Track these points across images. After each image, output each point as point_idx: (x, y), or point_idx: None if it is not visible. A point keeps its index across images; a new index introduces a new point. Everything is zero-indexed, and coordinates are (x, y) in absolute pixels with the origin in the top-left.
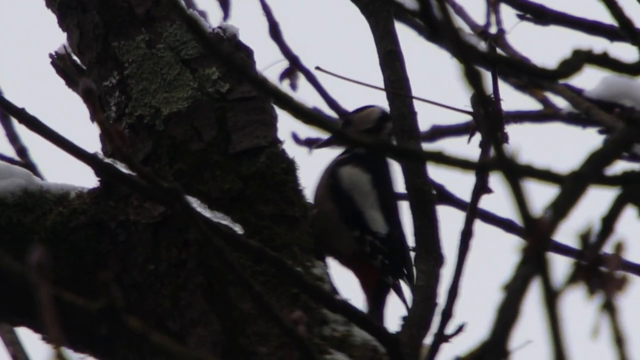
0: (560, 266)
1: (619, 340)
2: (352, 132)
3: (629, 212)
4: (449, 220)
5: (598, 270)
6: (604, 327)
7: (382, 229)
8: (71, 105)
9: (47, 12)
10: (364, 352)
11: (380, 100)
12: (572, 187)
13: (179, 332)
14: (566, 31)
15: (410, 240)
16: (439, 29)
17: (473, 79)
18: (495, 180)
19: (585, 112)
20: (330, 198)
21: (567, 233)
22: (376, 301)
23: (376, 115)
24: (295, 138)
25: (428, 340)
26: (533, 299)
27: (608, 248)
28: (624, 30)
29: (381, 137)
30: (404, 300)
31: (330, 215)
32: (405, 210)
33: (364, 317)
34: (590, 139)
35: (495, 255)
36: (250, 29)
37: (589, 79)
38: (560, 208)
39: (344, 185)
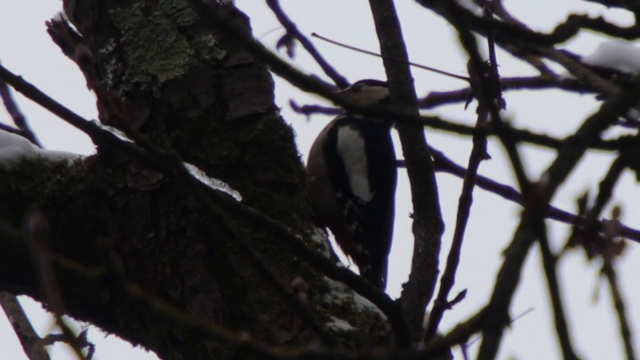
0: (558, 231)
1: (619, 305)
2: (352, 97)
3: (626, 176)
4: (448, 187)
5: (596, 235)
6: (604, 291)
7: (365, 196)
8: (68, 72)
9: None
10: (366, 319)
11: (378, 67)
12: (569, 151)
13: (179, 299)
14: None
15: (410, 207)
16: None
17: (469, 45)
18: (493, 147)
19: (582, 78)
20: (322, 154)
21: (564, 198)
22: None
23: (381, 96)
24: (293, 105)
25: (429, 306)
26: (532, 264)
27: (606, 213)
28: None
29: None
30: (363, 272)
31: (319, 171)
32: (403, 176)
33: (365, 284)
34: (587, 105)
35: (494, 221)
36: None
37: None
38: (558, 173)
39: (338, 145)
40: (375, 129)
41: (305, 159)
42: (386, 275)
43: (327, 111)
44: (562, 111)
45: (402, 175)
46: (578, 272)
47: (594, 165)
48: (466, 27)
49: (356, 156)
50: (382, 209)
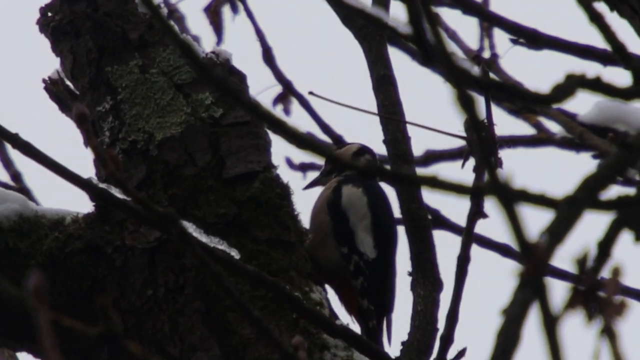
0: (558, 291)
1: None
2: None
3: (625, 236)
4: (446, 245)
5: (596, 295)
6: (604, 352)
7: (370, 253)
8: (65, 130)
9: (40, 37)
10: None
11: (375, 125)
12: (568, 211)
13: (179, 357)
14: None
15: (408, 265)
16: (432, 54)
17: (466, 104)
18: (491, 205)
19: (578, 136)
20: (327, 212)
21: (564, 258)
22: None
23: (353, 150)
24: (289, 163)
25: None
26: (532, 324)
27: (605, 273)
28: (617, 54)
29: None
30: (367, 329)
31: (323, 227)
32: (401, 235)
33: (364, 342)
34: (584, 164)
35: (493, 279)
36: (243, 54)
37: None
38: (556, 233)
39: (342, 201)
40: (376, 186)
41: (303, 217)
42: (391, 334)
43: (316, 183)
44: (558, 169)
45: (401, 234)
46: (578, 332)
47: (592, 225)
48: (464, 86)
49: (361, 213)
50: (385, 266)
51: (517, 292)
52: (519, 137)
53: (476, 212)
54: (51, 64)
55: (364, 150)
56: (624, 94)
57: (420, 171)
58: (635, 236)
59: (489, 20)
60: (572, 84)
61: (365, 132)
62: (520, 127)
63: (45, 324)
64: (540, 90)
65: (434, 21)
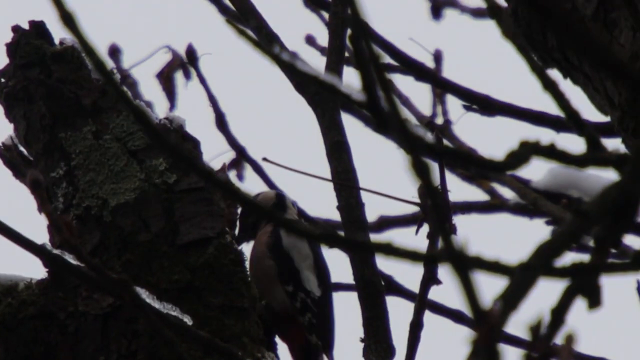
0: (511, 358)
1: None
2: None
3: (579, 303)
4: (398, 311)
5: None
6: None
7: (316, 291)
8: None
9: None
10: None
11: (328, 191)
12: (522, 278)
13: None
14: (512, 121)
15: (360, 331)
16: (386, 120)
17: (421, 171)
18: (444, 271)
19: (532, 202)
20: (269, 255)
21: (517, 324)
22: None
23: (270, 198)
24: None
25: None
26: None
27: (559, 339)
28: (570, 121)
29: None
30: None
31: (267, 271)
32: (354, 300)
33: None
34: (537, 230)
35: (446, 346)
36: (196, 119)
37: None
38: (510, 299)
39: (284, 243)
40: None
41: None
42: None
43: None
44: (512, 235)
45: (353, 300)
46: None
47: (546, 292)
48: (418, 153)
49: (304, 253)
50: (328, 305)
51: (470, 359)
52: (473, 204)
53: (430, 279)
54: (4, 130)
55: (282, 198)
56: (578, 161)
57: (374, 237)
58: (589, 303)
59: (442, 87)
60: (526, 151)
61: (318, 198)
62: (473, 193)
63: None
64: (495, 157)
65: (388, 88)
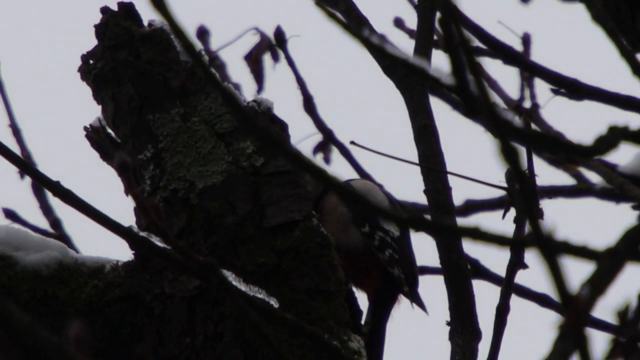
0: (598, 342)
1: None
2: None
3: None
4: (485, 295)
5: (637, 346)
6: None
7: (395, 231)
8: (106, 178)
9: (82, 84)
10: None
11: (415, 175)
12: (609, 263)
13: None
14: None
15: (446, 315)
16: (475, 104)
17: (508, 155)
18: (531, 256)
19: (618, 187)
20: (341, 204)
21: (604, 309)
22: (379, 311)
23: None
24: None
25: None
26: None
27: None
28: None
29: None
30: (407, 296)
31: (341, 217)
32: (440, 284)
33: None
34: (624, 215)
35: (532, 330)
36: (284, 102)
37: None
38: (598, 284)
39: (358, 189)
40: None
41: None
42: (423, 304)
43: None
44: (598, 219)
45: (439, 283)
46: None
47: (633, 277)
48: (506, 137)
49: (379, 198)
50: (408, 245)
51: (557, 343)
52: (560, 188)
53: (517, 263)
54: (93, 112)
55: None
56: None
57: (461, 221)
58: None
59: (530, 70)
60: (615, 136)
61: (405, 181)
62: (560, 178)
63: None
64: (583, 141)
65: (478, 72)
